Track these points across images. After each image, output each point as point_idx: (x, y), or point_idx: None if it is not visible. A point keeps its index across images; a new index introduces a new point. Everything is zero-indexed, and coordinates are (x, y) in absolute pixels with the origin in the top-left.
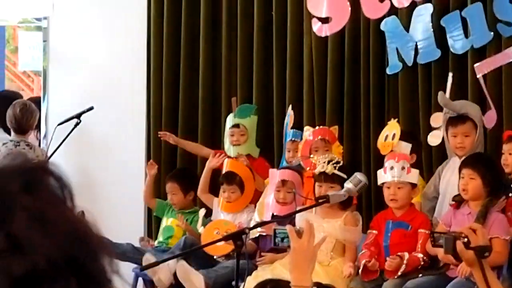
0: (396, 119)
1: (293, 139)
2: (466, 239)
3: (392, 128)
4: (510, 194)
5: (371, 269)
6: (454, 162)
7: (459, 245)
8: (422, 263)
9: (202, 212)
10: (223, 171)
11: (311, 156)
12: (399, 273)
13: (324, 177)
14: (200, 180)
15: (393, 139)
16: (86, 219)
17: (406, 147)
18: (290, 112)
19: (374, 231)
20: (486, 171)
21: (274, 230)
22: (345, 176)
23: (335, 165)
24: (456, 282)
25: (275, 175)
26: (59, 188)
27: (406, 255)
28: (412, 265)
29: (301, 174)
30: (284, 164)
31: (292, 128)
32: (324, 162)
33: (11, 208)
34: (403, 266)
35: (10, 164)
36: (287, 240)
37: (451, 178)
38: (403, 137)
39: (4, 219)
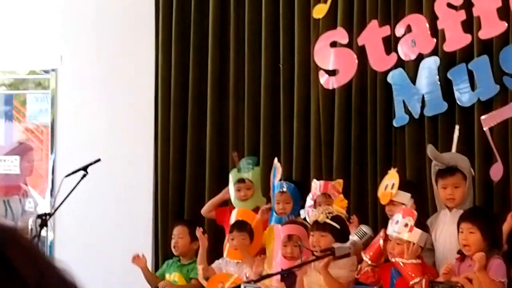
0: (396, 169)
1: (281, 190)
2: None
3: (392, 177)
4: None
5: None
6: (444, 215)
7: None
8: None
9: (200, 267)
10: (232, 220)
11: (313, 210)
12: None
13: (316, 225)
14: (209, 203)
15: (392, 188)
16: None
17: (405, 196)
18: (276, 164)
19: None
20: (484, 224)
21: (245, 287)
22: (338, 226)
23: (328, 214)
24: None
25: (279, 231)
26: None
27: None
28: None
29: (306, 227)
30: (274, 216)
31: (291, 181)
32: (319, 212)
33: None
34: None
35: None
36: None
37: (443, 230)
38: (402, 186)
39: None
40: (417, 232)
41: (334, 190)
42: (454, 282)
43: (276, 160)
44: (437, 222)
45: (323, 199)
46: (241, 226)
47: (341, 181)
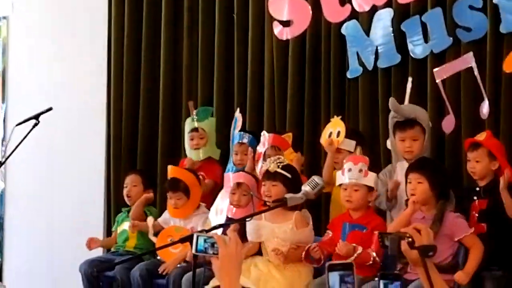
0: (340, 117)
1: (240, 141)
2: (410, 239)
3: (336, 125)
4: (475, 198)
5: (313, 254)
6: (402, 167)
7: (404, 245)
8: (371, 262)
9: (150, 220)
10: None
11: (264, 162)
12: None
13: (267, 175)
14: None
15: (338, 136)
16: None
17: (351, 143)
18: (237, 115)
19: (329, 232)
20: (432, 174)
21: (197, 236)
22: (289, 175)
23: (278, 164)
24: (415, 285)
25: (229, 179)
26: None
27: (360, 248)
28: (363, 260)
29: (256, 177)
30: (231, 166)
31: (247, 131)
32: (270, 161)
33: None
34: (353, 257)
35: None
36: (216, 247)
37: (402, 181)
38: (347, 134)
39: None
40: (372, 175)
41: (283, 143)
42: (402, 233)
43: (238, 110)
44: (395, 174)
45: (273, 151)
46: (173, 186)
47: (290, 134)
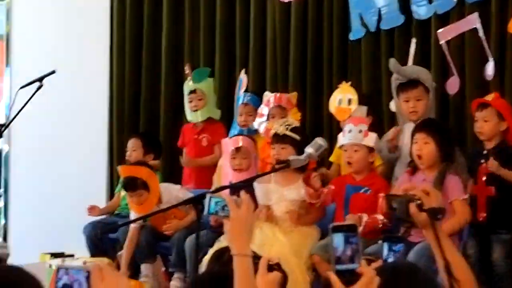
0: (349, 82)
1: (245, 102)
2: (419, 201)
3: (346, 91)
4: (482, 161)
5: (312, 182)
6: (409, 128)
7: (412, 207)
8: (381, 225)
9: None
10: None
11: (267, 121)
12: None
13: (276, 138)
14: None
15: (349, 104)
16: None
17: (362, 110)
18: (242, 76)
19: (331, 186)
20: (439, 135)
21: (210, 198)
22: (297, 137)
23: (287, 126)
24: (419, 248)
25: (228, 144)
26: None
27: (365, 216)
28: (371, 226)
29: (254, 140)
30: (236, 127)
31: (250, 92)
32: (278, 124)
33: None
34: (361, 228)
35: None
36: (227, 209)
37: (409, 142)
38: (359, 100)
39: None
40: (372, 136)
41: (288, 103)
42: (411, 195)
43: (243, 71)
44: (403, 135)
45: (278, 111)
46: (131, 185)
47: (295, 93)
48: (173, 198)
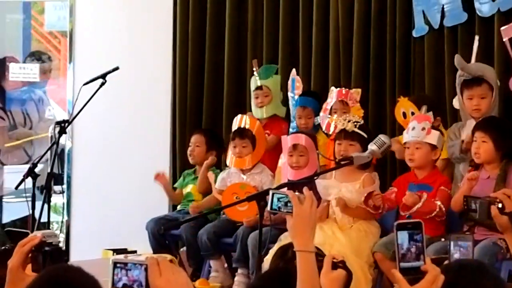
0: (407, 98)
1: (304, 105)
2: (500, 205)
3: (407, 106)
4: None
5: (374, 200)
6: (471, 125)
7: (494, 210)
8: (438, 210)
9: (211, 176)
10: (234, 127)
11: (329, 116)
12: (414, 209)
13: (344, 134)
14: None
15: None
16: None
17: (423, 110)
18: (294, 75)
19: (394, 188)
20: (498, 134)
21: (273, 194)
22: (365, 135)
23: (355, 123)
24: (482, 246)
25: (287, 141)
26: None
27: (425, 195)
28: (428, 208)
29: (314, 138)
30: (295, 127)
31: (310, 92)
32: (345, 120)
33: None
34: (419, 204)
35: None
36: (290, 205)
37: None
38: (420, 102)
39: None
40: (435, 133)
41: (352, 98)
42: (492, 198)
43: (294, 71)
44: (465, 131)
45: (340, 106)
46: (242, 133)
47: (359, 90)
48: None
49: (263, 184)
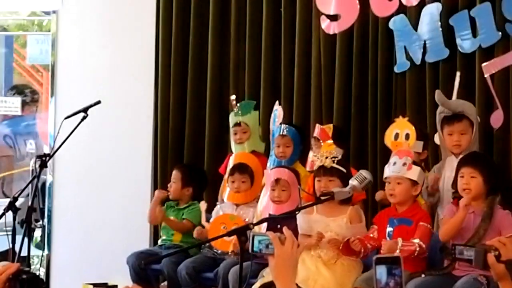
0: (407, 118)
1: (282, 133)
2: (497, 252)
3: (403, 126)
4: None
5: (352, 246)
6: (451, 161)
7: (491, 258)
8: (418, 249)
9: (203, 205)
10: (230, 165)
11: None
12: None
13: (323, 171)
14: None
15: (407, 139)
16: None
17: (419, 145)
18: (277, 107)
19: (375, 226)
20: (486, 169)
21: (253, 236)
22: (344, 170)
23: (333, 159)
24: (463, 282)
25: (270, 175)
26: None
27: (400, 240)
28: (408, 251)
29: (297, 173)
30: (274, 159)
31: (290, 124)
32: (323, 156)
33: None
34: (398, 250)
35: None
36: (272, 247)
37: (451, 176)
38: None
39: None
40: (416, 169)
41: (322, 134)
42: (488, 246)
43: (277, 103)
44: (444, 169)
45: (314, 142)
46: (242, 168)
47: (331, 125)
48: None
49: (254, 218)
